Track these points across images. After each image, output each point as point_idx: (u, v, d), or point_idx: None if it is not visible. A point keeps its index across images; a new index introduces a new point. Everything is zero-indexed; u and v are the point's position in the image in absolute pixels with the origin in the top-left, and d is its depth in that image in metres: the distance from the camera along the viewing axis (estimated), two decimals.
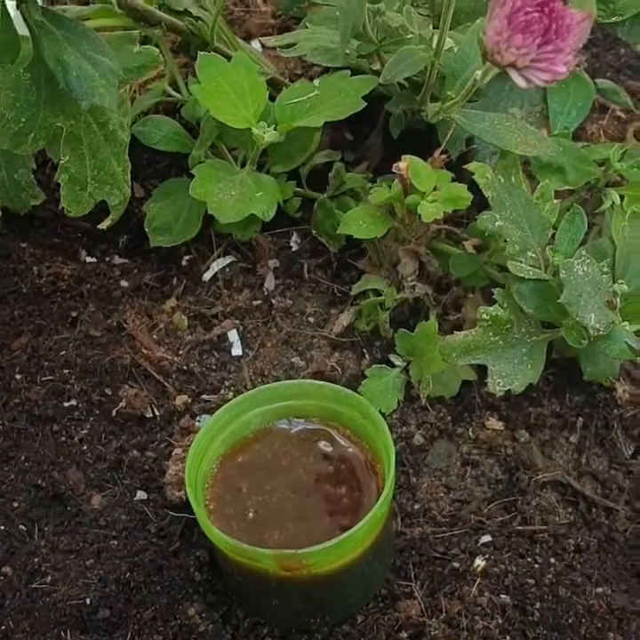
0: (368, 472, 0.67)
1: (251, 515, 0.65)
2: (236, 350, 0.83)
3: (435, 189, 0.75)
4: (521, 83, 0.59)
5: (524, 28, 0.58)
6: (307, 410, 0.70)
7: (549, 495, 0.73)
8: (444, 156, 0.79)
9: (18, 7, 0.65)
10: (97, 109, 0.67)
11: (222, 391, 0.81)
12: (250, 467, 0.68)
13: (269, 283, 0.87)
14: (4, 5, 0.64)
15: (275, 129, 0.80)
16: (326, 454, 0.68)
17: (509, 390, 0.71)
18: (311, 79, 0.94)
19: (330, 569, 0.62)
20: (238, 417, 0.69)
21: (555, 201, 0.74)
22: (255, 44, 1.03)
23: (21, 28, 0.67)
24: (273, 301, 0.86)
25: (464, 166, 0.75)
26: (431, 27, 0.87)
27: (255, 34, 1.05)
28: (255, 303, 0.86)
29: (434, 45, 0.74)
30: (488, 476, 0.75)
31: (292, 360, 0.82)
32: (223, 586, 0.69)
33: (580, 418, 0.77)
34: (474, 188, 0.75)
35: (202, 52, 0.80)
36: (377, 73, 0.82)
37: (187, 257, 0.89)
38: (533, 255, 0.72)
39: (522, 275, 0.70)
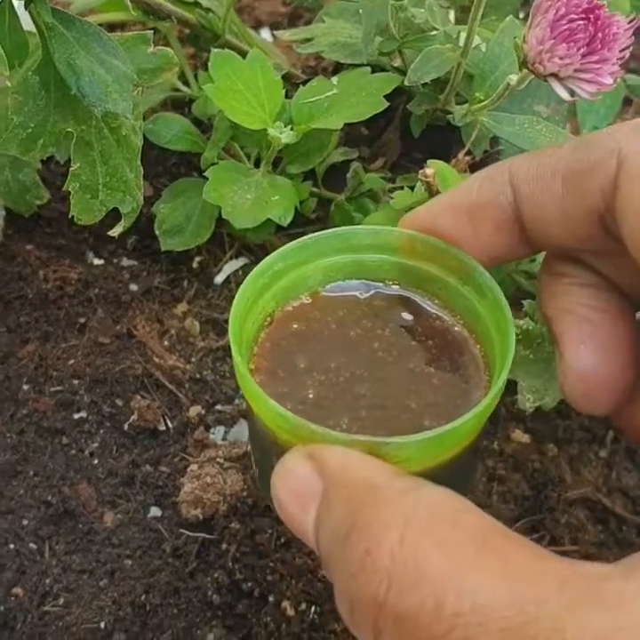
0: (463, 353, 0.51)
1: (311, 396, 0.48)
2: None
3: None
4: (564, 95, 0.55)
5: (568, 37, 0.55)
6: (384, 269, 0.54)
7: (579, 513, 0.71)
8: (468, 158, 0.76)
9: (26, 7, 0.61)
10: (109, 114, 0.64)
11: (237, 401, 0.78)
12: (308, 337, 0.51)
13: None
14: (12, 5, 0.61)
15: (291, 129, 0.77)
16: (408, 328, 0.52)
17: (539, 407, 0.68)
18: (325, 72, 0.91)
19: (419, 470, 0.44)
20: (295, 268, 0.52)
21: None
22: (265, 33, 1.00)
23: (27, 24, 0.64)
24: None
25: None
26: (452, 17, 0.84)
27: (265, 22, 1.01)
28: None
29: (461, 43, 0.70)
30: (514, 493, 0.72)
31: None
32: (261, 489, 0.55)
33: (610, 431, 0.75)
34: None
35: (215, 49, 0.77)
36: (398, 70, 0.79)
37: (198, 258, 0.86)
38: None
39: None
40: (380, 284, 0.53)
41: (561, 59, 0.55)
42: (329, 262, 0.53)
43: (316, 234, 0.52)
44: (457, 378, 0.49)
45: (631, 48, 0.55)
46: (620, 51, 0.55)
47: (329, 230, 0.52)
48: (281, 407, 0.43)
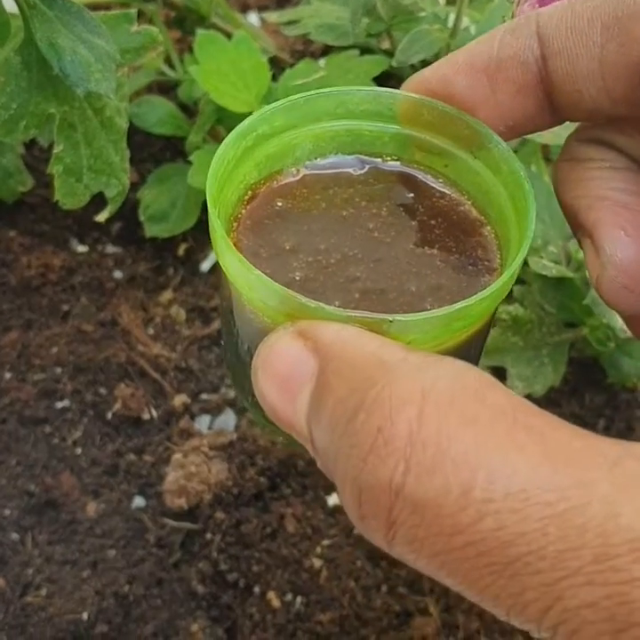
0: (471, 234, 0.45)
1: (297, 278, 0.42)
2: None
3: None
4: None
5: None
6: (382, 140, 0.46)
7: None
8: None
9: None
10: (92, 95, 0.63)
11: (222, 390, 0.77)
12: (295, 216, 0.45)
13: None
14: None
15: None
16: (408, 207, 0.45)
17: (529, 394, 0.67)
18: (313, 56, 0.89)
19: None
20: (282, 133, 0.45)
21: None
22: (252, 17, 0.99)
23: (9, 4, 0.63)
24: None
25: None
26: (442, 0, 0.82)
27: (252, 5, 1.00)
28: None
29: (450, 25, 0.69)
30: None
31: None
32: (235, 388, 0.49)
33: (601, 419, 0.74)
34: None
35: (200, 30, 0.76)
36: (386, 52, 0.78)
37: (183, 245, 0.85)
38: (554, 250, 0.68)
39: (544, 272, 0.66)
40: (378, 160, 0.47)
41: None
42: (320, 129, 0.46)
43: (308, 93, 0.45)
44: (464, 260, 0.44)
45: None
46: None
47: (323, 89, 0.45)
48: (266, 277, 0.37)
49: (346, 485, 0.31)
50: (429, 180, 0.46)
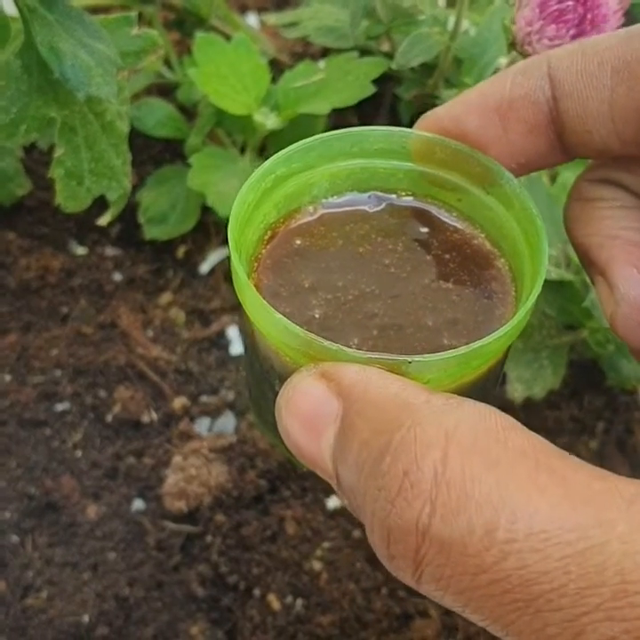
0: (485, 267, 0.46)
1: (316, 316, 0.43)
2: (236, 348, 0.79)
3: None
4: None
5: (558, 18, 0.54)
6: (397, 177, 0.48)
7: None
8: None
9: None
10: (93, 99, 0.63)
11: (222, 392, 0.77)
12: (313, 254, 0.46)
13: None
14: None
15: (277, 115, 0.76)
16: (423, 242, 0.46)
17: (529, 397, 0.67)
18: (313, 58, 0.89)
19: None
20: (299, 173, 0.46)
21: None
22: (251, 19, 0.99)
23: (9, 7, 0.63)
24: None
25: None
26: (441, 2, 0.82)
27: (251, 7, 1.00)
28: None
29: (449, 28, 0.69)
30: None
31: None
32: (258, 424, 0.50)
33: (601, 422, 0.74)
34: None
35: (199, 33, 0.76)
36: (386, 55, 0.78)
37: (183, 248, 0.85)
38: (554, 253, 0.68)
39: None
40: (392, 196, 0.48)
41: (550, 40, 0.54)
42: (336, 168, 0.47)
43: (324, 134, 0.46)
44: (479, 293, 0.44)
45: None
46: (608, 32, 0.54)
47: (338, 131, 0.46)
48: (288, 321, 0.38)
49: (374, 527, 0.32)
50: (443, 214, 0.47)
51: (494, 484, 0.30)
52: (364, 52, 0.79)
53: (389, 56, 0.76)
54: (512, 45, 0.58)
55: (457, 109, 0.44)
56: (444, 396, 0.34)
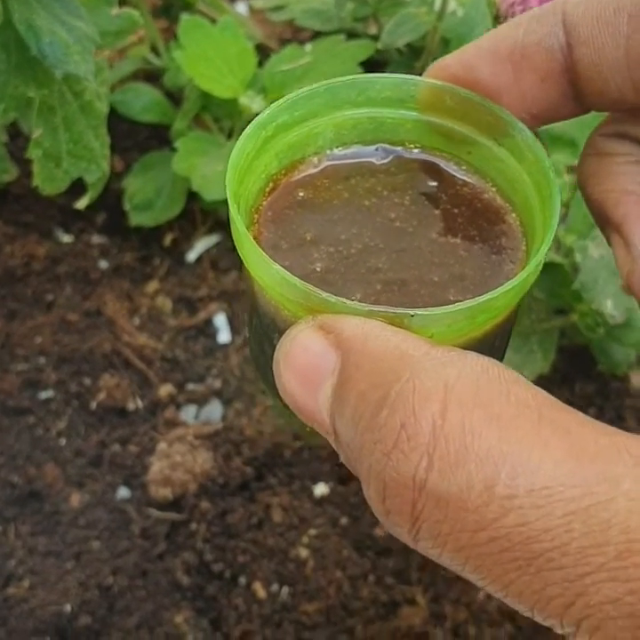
0: (495, 222, 0.44)
1: (318, 269, 0.42)
2: (223, 336, 0.78)
3: None
4: None
5: None
6: (405, 127, 0.46)
7: None
8: None
9: None
10: (72, 78, 0.62)
11: (209, 380, 0.76)
12: (316, 206, 0.45)
13: None
14: None
15: (263, 98, 0.75)
16: (430, 195, 0.45)
17: None
18: (301, 43, 0.88)
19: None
20: (303, 122, 0.45)
21: (566, 177, 0.69)
22: (241, 7, 0.98)
23: None
24: None
25: None
26: None
27: None
28: (243, 286, 0.80)
29: (436, 8, 0.68)
30: None
31: None
32: (262, 381, 0.49)
33: (592, 408, 0.73)
34: None
35: (185, 15, 0.75)
36: (373, 37, 0.77)
37: (170, 236, 0.84)
38: None
39: None
40: (399, 148, 0.46)
41: None
42: (342, 117, 0.45)
43: (329, 81, 0.44)
44: (487, 249, 0.43)
45: None
46: None
47: (344, 77, 0.44)
48: (286, 272, 0.37)
49: (370, 481, 0.31)
50: (452, 167, 0.45)
51: (495, 437, 0.29)
52: (352, 35, 0.78)
53: (376, 39, 0.76)
54: (496, 19, 0.57)
55: (468, 56, 0.42)
56: (446, 349, 0.33)
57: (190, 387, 0.75)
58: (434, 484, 0.29)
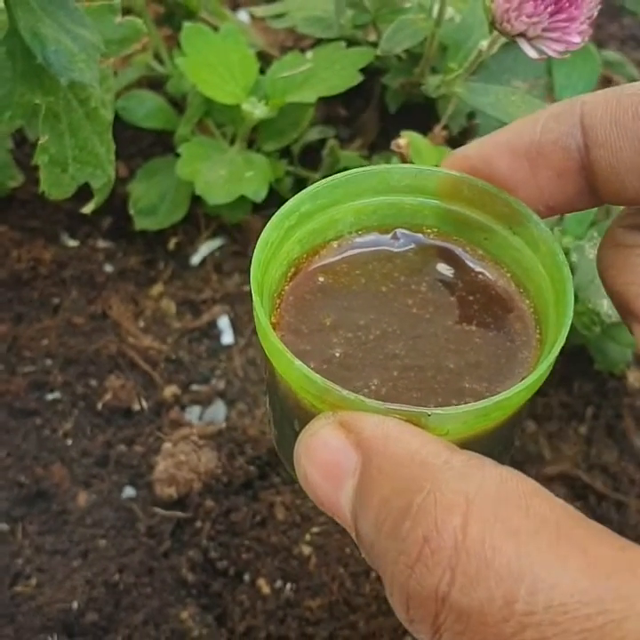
0: (509, 309, 0.45)
1: (337, 354, 0.43)
2: (227, 338, 0.79)
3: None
4: (532, 53, 0.55)
5: None
6: (423, 213, 0.47)
7: (558, 489, 0.70)
8: (445, 132, 0.75)
9: None
10: (77, 85, 0.63)
11: (213, 381, 0.77)
12: (335, 292, 0.46)
13: None
14: None
15: (265, 104, 0.76)
16: (447, 282, 0.46)
17: None
18: (302, 51, 0.90)
19: (457, 439, 0.39)
20: (324, 210, 0.46)
21: None
22: (242, 15, 0.99)
23: None
24: None
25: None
26: None
27: (243, 3, 1.00)
28: (246, 288, 0.81)
29: (434, 14, 0.70)
30: None
31: None
32: (280, 455, 0.50)
33: (590, 407, 0.74)
34: None
35: (187, 23, 0.76)
36: (373, 44, 0.78)
37: (174, 240, 0.85)
38: None
39: None
40: (417, 234, 0.47)
41: (528, 17, 0.54)
42: (362, 204, 0.47)
43: (350, 171, 0.46)
44: (502, 336, 0.44)
45: (599, 7, 0.54)
46: (588, 9, 0.54)
47: (365, 167, 0.46)
48: (307, 368, 0.38)
49: (394, 589, 0.32)
50: (468, 254, 0.47)
51: (514, 553, 0.30)
52: (352, 42, 0.79)
53: (376, 46, 0.77)
54: (492, 24, 0.58)
55: (486, 149, 0.44)
56: (465, 456, 0.34)
57: (194, 388, 0.76)
58: (456, 599, 0.30)
